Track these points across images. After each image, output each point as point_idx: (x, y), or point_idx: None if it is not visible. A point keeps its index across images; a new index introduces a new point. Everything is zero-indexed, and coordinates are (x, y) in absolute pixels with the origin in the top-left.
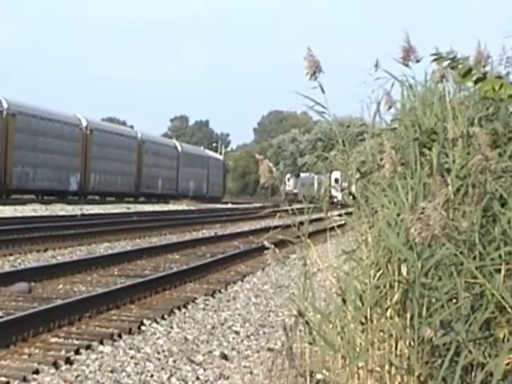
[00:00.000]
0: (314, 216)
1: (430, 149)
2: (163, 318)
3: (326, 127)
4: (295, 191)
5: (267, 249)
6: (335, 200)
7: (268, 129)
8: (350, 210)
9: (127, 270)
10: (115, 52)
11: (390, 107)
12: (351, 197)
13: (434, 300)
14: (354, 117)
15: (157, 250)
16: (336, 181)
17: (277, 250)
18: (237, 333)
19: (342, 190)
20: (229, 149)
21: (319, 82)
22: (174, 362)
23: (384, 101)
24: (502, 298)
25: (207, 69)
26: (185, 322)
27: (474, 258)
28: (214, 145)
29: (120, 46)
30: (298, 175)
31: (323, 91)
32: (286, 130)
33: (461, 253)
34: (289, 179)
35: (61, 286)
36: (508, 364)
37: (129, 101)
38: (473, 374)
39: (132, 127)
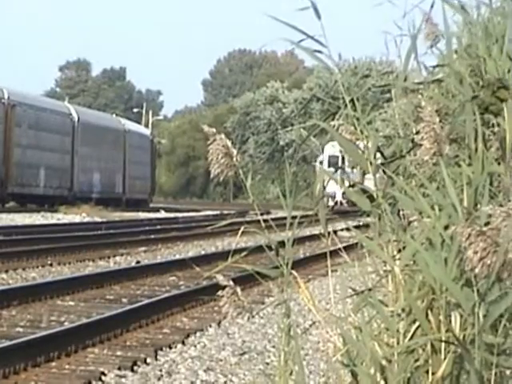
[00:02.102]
0: (306, 230)
1: (497, 114)
2: None
3: (329, 78)
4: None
5: (223, 288)
6: (332, 201)
7: (228, 82)
8: (364, 219)
9: None
10: None
11: (435, 42)
12: (366, 197)
13: (508, 372)
14: (374, 60)
15: (36, 290)
16: (330, 163)
17: (239, 291)
18: None
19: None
20: (161, 117)
21: (312, 1)
22: None
23: (425, 32)
24: None
25: None
26: None
27: None
28: (136, 110)
29: None
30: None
31: (318, 15)
32: (260, 83)
33: None
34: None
35: None
36: None
37: None
38: None
39: None
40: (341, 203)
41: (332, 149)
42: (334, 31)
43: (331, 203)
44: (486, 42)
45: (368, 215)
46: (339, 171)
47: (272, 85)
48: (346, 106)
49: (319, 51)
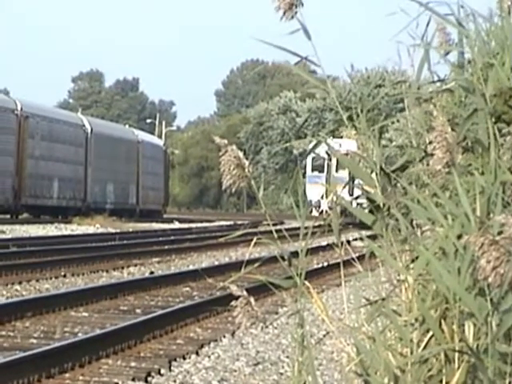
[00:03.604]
0: (320, 240)
1: (509, 123)
2: None
3: (343, 87)
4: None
5: (236, 298)
6: (317, 211)
7: (241, 92)
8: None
9: None
10: None
11: (447, 52)
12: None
13: None
14: (387, 70)
15: (50, 302)
16: (314, 166)
17: (253, 301)
18: None
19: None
20: (174, 127)
21: (301, 22)
22: None
23: (438, 41)
24: None
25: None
26: None
27: None
28: (149, 121)
29: None
30: None
31: (309, 36)
32: (273, 93)
33: None
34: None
35: None
36: None
37: (1, 53)
38: None
39: (6, 93)
40: (326, 213)
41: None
42: (350, 41)
43: (315, 213)
44: (500, 52)
45: (366, 227)
46: (325, 176)
47: (285, 95)
48: (355, 116)
49: (314, 71)
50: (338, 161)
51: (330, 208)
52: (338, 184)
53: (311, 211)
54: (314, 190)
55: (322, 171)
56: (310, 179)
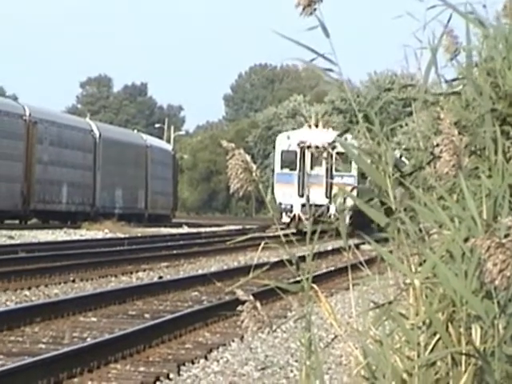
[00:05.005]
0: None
1: None
2: None
3: (351, 90)
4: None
5: (243, 303)
6: (287, 217)
7: (250, 96)
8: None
9: (4, 342)
10: None
11: (455, 55)
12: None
13: None
14: (396, 74)
15: (59, 307)
16: (284, 161)
17: (259, 306)
18: None
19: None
20: (183, 132)
21: (320, 19)
22: None
23: (445, 45)
24: None
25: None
26: None
27: None
28: (158, 125)
29: None
30: None
31: (327, 34)
32: (281, 97)
33: None
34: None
35: None
36: None
37: (10, 58)
38: None
39: (15, 99)
40: (299, 218)
41: (286, 142)
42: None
43: (286, 219)
44: (507, 54)
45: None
46: (297, 174)
47: (295, 98)
48: (364, 119)
49: (330, 69)
50: (312, 156)
51: (305, 214)
52: (313, 184)
53: (280, 217)
54: (285, 191)
55: (293, 168)
56: (280, 178)
